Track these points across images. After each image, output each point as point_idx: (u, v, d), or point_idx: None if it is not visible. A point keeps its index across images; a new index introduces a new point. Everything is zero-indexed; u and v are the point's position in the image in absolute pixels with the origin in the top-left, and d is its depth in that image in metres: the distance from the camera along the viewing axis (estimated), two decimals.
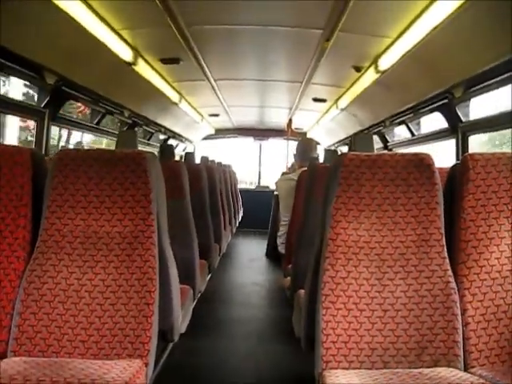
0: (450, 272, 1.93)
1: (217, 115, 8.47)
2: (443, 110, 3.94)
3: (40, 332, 1.92)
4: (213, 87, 5.96)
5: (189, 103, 6.83)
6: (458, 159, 3.61)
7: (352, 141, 2.33)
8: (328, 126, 8.10)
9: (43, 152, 3.61)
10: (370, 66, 4.22)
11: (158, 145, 7.51)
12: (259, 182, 11.39)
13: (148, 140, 7.10)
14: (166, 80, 5.27)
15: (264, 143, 11.07)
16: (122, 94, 4.82)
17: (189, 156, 5.01)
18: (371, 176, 1.99)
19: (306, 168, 3.96)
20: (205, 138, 10.54)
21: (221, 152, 11.10)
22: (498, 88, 3.19)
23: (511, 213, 1.96)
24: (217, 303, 4.70)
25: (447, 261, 1.94)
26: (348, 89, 5.36)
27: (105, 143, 11.40)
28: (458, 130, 3.71)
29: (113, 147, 2.57)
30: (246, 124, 9.81)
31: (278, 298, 4.92)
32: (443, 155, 4.65)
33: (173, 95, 5.88)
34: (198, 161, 5.97)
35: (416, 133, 5.03)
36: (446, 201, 2.00)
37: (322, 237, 2.01)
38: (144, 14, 3.29)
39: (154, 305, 1.94)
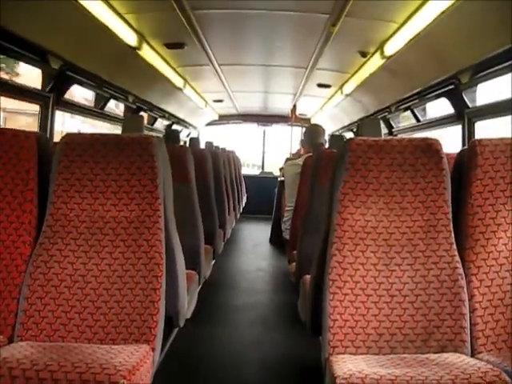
0: (457, 258, 1.93)
1: (221, 101, 8.44)
2: (449, 95, 3.91)
3: (46, 317, 1.93)
4: (217, 72, 5.93)
5: (193, 89, 6.81)
6: (464, 145, 3.59)
7: (359, 126, 2.32)
8: (332, 112, 8.07)
9: (48, 136, 3.60)
10: (375, 52, 4.19)
11: (162, 130, 7.51)
12: (263, 168, 11.38)
13: (152, 125, 7.08)
14: (170, 65, 5.25)
15: (268, 129, 11.04)
16: (126, 78, 4.80)
17: (194, 141, 5.00)
18: (379, 161, 1.99)
19: (311, 154, 3.95)
20: (208, 124, 10.53)
21: (225, 138, 11.08)
22: (505, 74, 3.16)
23: None
24: (221, 289, 4.71)
25: (454, 246, 1.94)
26: (353, 74, 5.33)
27: None
28: (465, 115, 3.69)
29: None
30: (249, 110, 9.78)
31: (282, 284, 4.93)
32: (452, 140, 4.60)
33: (177, 80, 5.86)
34: (202, 146, 5.97)
35: (422, 119, 5.01)
36: (453, 186, 2.00)
37: (329, 222, 2.01)
38: None
39: (161, 290, 1.95)
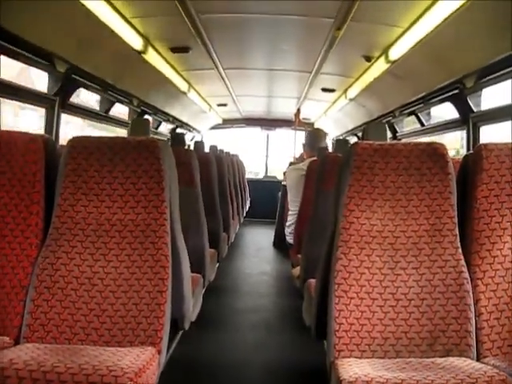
0: (462, 262, 1.93)
1: (225, 105, 8.46)
2: (454, 100, 3.91)
3: (53, 319, 1.93)
4: (221, 76, 5.95)
5: (197, 92, 6.82)
6: (468, 150, 3.59)
7: (365, 130, 2.32)
8: (336, 117, 8.08)
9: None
10: (380, 56, 4.19)
11: (166, 134, 7.52)
12: (266, 172, 11.38)
13: (156, 129, 7.10)
14: (174, 69, 5.26)
15: (271, 133, 11.06)
16: (131, 82, 4.82)
17: (198, 145, 5.01)
18: (384, 165, 1.99)
19: (315, 158, 3.96)
20: (212, 128, 10.53)
21: (228, 142, 11.09)
22: (510, 78, 3.16)
23: None
24: (225, 292, 4.71)
25: (460, 250, 1.94)
26: (357, 79, 5.33)
27: None
28: (470, 120, 3.69)
29: None
30: (253, 114, 9.79)
31: (286, 288, 4.94)
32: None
33: (181, 84, 5.87)
34: (206, 150, 5.98)
35: (426, 123, 5.01)
36: (459, 190, 2.00)
37: (335, 226, 2.01)
38: (154, 2, 3.29)
39: (167, 292, 1.95)
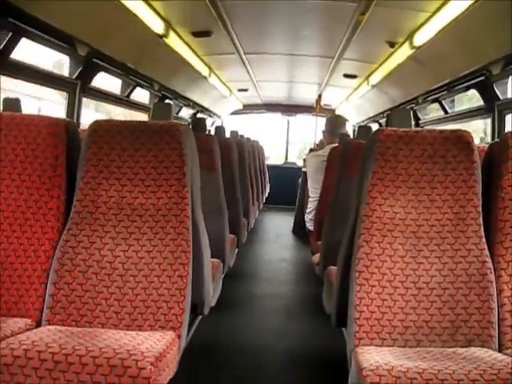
0: (486, 251, 1.90)
1: (245, 90, 8.43)
2: (479, 87, 3.84)
3: (74, 302, 1.94)
4: (242, 61, 5.91)
5: (218, 77, 6.80)
6: (493, 138, 3.53)
7: (389, 116, 2.28)
8: (357, 103, 8.01)
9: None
10: (404, 42, 4.13)
11: (187, 119, 7.52)
12: (286, 158, 11.35)
13: (176, 114, 7.10)
14: (196, 53, 5.25)
15: (292, 119, 11.00)
16: (152, 66, 4.81)
17: (219, 130, 5.00)
18: (408, 152, 1.96)
19: (335, 144, 3.92)
20: (233, 113, 10.52)
21: (249, 127, 11.07)
22: None
23: None
24: (244, 278, 4.72)
25: (484, 240, 1.91)
26: (380, 65, 5.26)
27: None
28: (495, 108, 3.62)
29: None
30: (274, 99, 9.76)
31: (305, 274, 4.93)
32: None
33: (202, 69, 5.86)
34: (227, 135, 5.97)
35: (450, 110, 4.93)
36: (483, 179, 1.96)
37: (357, 213, 1.99)
38: None
39: (188, 277, 1.95)
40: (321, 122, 8.93)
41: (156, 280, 1.95)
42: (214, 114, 9.18)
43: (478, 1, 2.80)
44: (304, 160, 7.74)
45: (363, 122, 8.62)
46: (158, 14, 3.75)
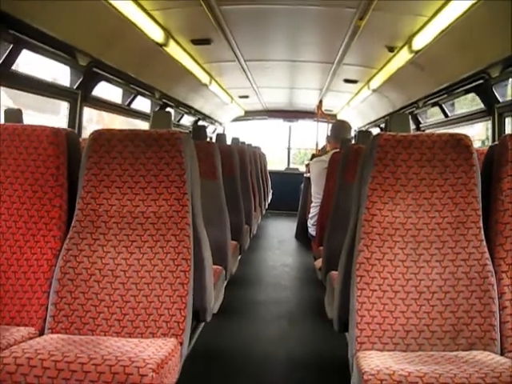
0: (487, 254, 1.90)
1: (246, 97, 8.45)
2: (479, 90, 3.85)
3: (76, 310, 1.95)
4: (243, 68, 5.94)
5: (218, 84, 6.83)
6: (494, 141, 3.53)
7: (388, 121, 2.29)
8: (358, 108, 8.02)
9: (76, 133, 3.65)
10: (403, 46, 4.14)
11: (188, 126, 7.54)
12: (288, 164, 11.36)
13: (178, 122, 7.12)
14: (196, 61, 5.28)
15: (294, 125, 11.02)
16: (152, 75, 4.84)
17: (220, 137, 5.01)
18: (407, 156, 1.97)
19: (338, 149, 3.93)
20: (234, 120, 10.54)
21: (250, 134, 11.09)
22: None
23: None
24: (247, 284, 4.72)
25: (484, 243, 1.91)
26: (380, 69, 5.28)
27: None
28: (495, 111, 3.62)
29: None
30: (275, 105, 9.77)
31: (308, 280, 4.92)
32: None
33: (203, 76, 5.88)
34: (228, 142, 5.98)
35: (450, 114, 4.94)
36: (483, 182, 1.97)
37: (357, 218, 2.00)
38: None
39: (189, 284, 1.96)
40: (322, 128, 8.97)
41: (157, 287, 1.95)
42: (216, 121, 9.21)
43: (475, 4, 2.81)
44: (306, 165, 7.75)
45: (365, 126, 8.63)
46: (158, 22, 3.78)
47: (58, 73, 3.75)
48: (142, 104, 5.51)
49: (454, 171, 1.95)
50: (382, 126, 7.61)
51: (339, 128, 4.35)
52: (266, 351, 3.12)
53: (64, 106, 3.84)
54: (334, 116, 9.45)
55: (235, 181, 4.26)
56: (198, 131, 3.64)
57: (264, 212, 8.02)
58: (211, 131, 9.43)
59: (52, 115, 5.60)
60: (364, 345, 1.85)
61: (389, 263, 1.91)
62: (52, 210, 2.05)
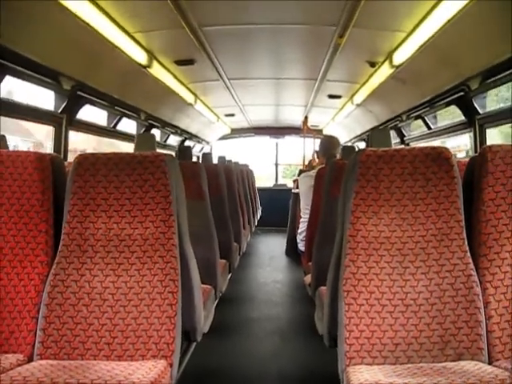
0: (471, 265, 1.91)
1: (232, 115, 8.49)
2: (459, 102, 3.90)
3: (65, 335, 1.94)
4: (227, 87, 5.98)
5: (204, 104, 6.86)
6: (475, 152, 3.58)
7: (369, 136, 2.32)
8: (344, 122, 8.09)
9: (62, 156, 3.64)
10: (384, 61, 4.20)
11: (175, 146, 7.56)
12: (276, 181, 11.39)
13: (164, 142, 7.14)
14: (180, 81, 5.31)
15: (280, 141, 11.06)
16: (137, 96, 4.86)
17: (206, 156, 5.03)
18: (389, 171, 1.99)
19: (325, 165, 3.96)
20: (221, 138, 10.58)
21: (238, 151, 11.12)
22: None
23: None
24: (238, 302, 4.71)
25: (468, 254, 1.93)
26: (363, 84, 5.34)
27: None
28: (476, 122, 3.68)
29: None
30: (261, 123, 9.82)
31: (299, 296, 4.92)
32: None
33: (188, 96, 5.92)
34: (215, 161, 5.99)
35: (433, 126, 4.99)
36: (465, 194, 1.99)
37: (342, 233, 2.01)
38: (157, 16, 3.33)
39: (177, 305, 1.95)
40: (308, 143, 9.03)
41: (146, 309, 1.95)
42: (203, 139, 9.23)
43: (453, 19, 2.86)
44: (294, 181, 7.78)
45: (351, 140, 8.69)
46: (140, 44, 3.81)
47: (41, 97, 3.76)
48: (128, 125, 5.53)
49: (436, 184, 1.97)
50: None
51: (327, 143, 4.38)
52: (258, 369, 3.11)
53: None
54: (320, 131, 9.51)
55: (222, 199, 4.27)
56: (184, 152, 3.66)
57: (254, 229, 8.02)
58: (198, 150, 9.44)
59: None
60: (354, 359, 1.85)
61: (375, 277, 1.92)
62: (38, 235, 2.04)
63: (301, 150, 9.17)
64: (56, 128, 3.68)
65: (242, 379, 2.98)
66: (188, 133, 7.85)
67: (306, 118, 8.44)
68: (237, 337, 3.73)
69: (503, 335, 1.87)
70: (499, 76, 3.19)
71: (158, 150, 2.28)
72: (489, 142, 3.53)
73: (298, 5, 3.26)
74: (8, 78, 2.99)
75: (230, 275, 4.44)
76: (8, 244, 2.04)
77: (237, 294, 4.99)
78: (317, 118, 8.58)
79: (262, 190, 10.36)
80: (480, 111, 3.66)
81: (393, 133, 6.01)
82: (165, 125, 6.39)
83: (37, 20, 2.73)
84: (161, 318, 1.94)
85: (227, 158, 7.18)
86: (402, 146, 5.34)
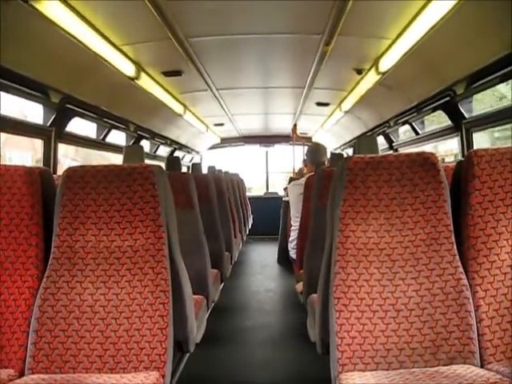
0: (460, 269, 1.93)
1: (222, 124, 8.51)
2: (446, 107, 3.94)
3: (56, 349, 1.93)
4: (216, 97, 6.00)
5: (193, 114, 6.87)
6: (463, 156, 3.60)
7: (356, 144, 2.34)
8: (333, 130, 8.12)
9: (51, 170, 3.64)
10: (370, 68, 4.23)
11: (165, 157, 7.55)
12: (267, 189, 11.40)
13: (154, 153, 7.13)
14: (169, 92, 5.32)
15: (270, 150, 11.08)
16: (126, 108, 4.87)
17: (196, 167, 5.04)
18: (377, 178, 2.00)
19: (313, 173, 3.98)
20: (211, 148, 10.58)
21: (230, 161, 11.13)
22: (500, 83, 3.19)
23: None
24: (231, 311, 4.71)
25: (457, 258, 1.94)
26: (350, 91, 5.37)
27: None
28: (462, 126, 3.71)
29: None
30: (251, 132, 9.84)
31: (292, 304, 4.92)
32: None
33: (177, 107, 5.93)
34: (205, 171, 6.00)
35: (420, 131, 5.03)
36: (452, 198, 2.00)
37: (331, 240, 2.02)
38: (144, 28, 3.34)
39: (169, 316, 1.95)
40: (298, 151, 9.05)
41: (137, 321, 1.95)
42: (193, 149, 9.23)
43: (436, 25, 2.89)
44: (285, 189, 7.78)
45: (340, 147, 8.72)
46: (128, 57, 3.82)
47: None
48: (118, 137, 5.53)
49: (424, 189, 1.99)
50: None
51: (315, 151, 4.39)
52: (251, 377, 3.12)
53: None
54: (310, 139, 9.54)
55: (213, 209, 4.28)
56: (173, 162, 3.66)
57: (245, 238, 8.01)
58: (188, 160, 9.44)
59: None
60: (346, 366, 1.86)
61: (365, 283, 1.93)
62: (28, 249, 2.04)
63: (291, 158, 9.20)
64: (45, 141, 3.68)
65: None
66: (178, 143, 7.86)
67: (295, 125, 8.46)
68: (230, 346, 3.73)
69: (494, 338, 1.88)
70: (484, 80, 3.22)
71: (148, 161, 2.29)
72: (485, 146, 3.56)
73: (283, 14, 3.28)
74: None
75: (222, 285, 4.44)
76: None
77: (229, 303, 4.99)
78: (306, 125, 8.62)
79: (253, 199, 10.37)
80: (466, 116, 3.70)
81: (381, 138, 6.05)
82: (154, 136, 6.39)
83: (23, 34, 2.73)
84: (152, 330, 1.93)
85: (218, 168, 7.18)
86: (391, 152, 5.37)
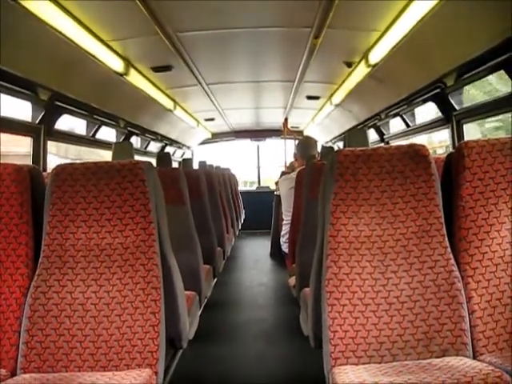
0: (452, 261, 1.93)
1: (212, 119, 8.48)
2: (436, 99, 3.94)
3: (48, 347, 1.92)
4: (206, 92, 5.98)
5: (183, 109, 6.85)
6: (453, 148, 3.61)
7: (346, 137, 2.33)
8: (324, 123, 8.11)
9: (41, 168, 3.61)
10: (360, 61, 4.22)
11: (156, 152, 7.53)
12: (259, 183, 11.40)
13: (145, 149, 7.11)
14: (158, 88, 5.30)
15: (261, 144, 11.07)
16: (115, 104, 4.84)
17: (187, 162, 5.02)
18: (367, 170, 2.00)
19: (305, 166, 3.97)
20: (202, 143, 10.55)
21: (220, 155, 11.11)
22: (489, 74, 3.19)
23: (510, 197, 1.96)
24: (224, 307, 4.71)
25: (449, 250, 1.94)
26: (341, 85, 5.36)
27: None
28: (453, 118, 3.71)
29: None
30: (242, 126, 9.82)
31: (284, 298, 4.93)
32: None
33: (167, 102, 5.90)
34: (196, 166, 5.98)
35: (411, 124, 5.03)
36: (443, 190, 2.00)
37: (323, 234, 2.02)
38: (132, 24, 3.31)
39: (160, 313, 1.95)
40: (289, 144, 9.05)
41: (129, 318, 1.94)
42: (183, 145, 9.21)
43: (426, 16, 2.88)
44: (276, 183, 7.78)
45: (331, 141, 8.72)
46: (116, 52, 3.80)
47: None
48: (110, 134, 5.51)
49: (414, 181, 1.98)
50: None
51: (305, 145, 4.39)
52: (245, 372, 3.12)
53: None
54: (301, 132, 9.54)
55: (204, 204, 4.27)
56: (163, 158, 3.65)
57: (238, 233, 8.01)
58: (179, 156, 9.42)
59: None
60: (339, 360, 1.86)
61: (357, 277, 1.93)
62: (18, 247, 2.02)
63: (283, 152, 9.20)
64: (34, 139, 3.65)
65: (229, 383, 2.98)
66: (168, 139, 7.83)
67: (286, 119, 8.46)
68: (223, 341, 3.73)
69: (486, 329, 1.89)
70: (474, 72, 3.23)
71: (139, 158, 2.27)
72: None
73: (272, 8, 3.27)
74: None
75: (214, 280, 4.43)
76: None
77: (222, 298, 4.99)
78: (297, 119, 8.61)
79: (245, 193, 10.37)
80: (457, 107, 3.70)
81: (373, 131, 6.05)
82: (144, 132, 6.37)
83: (9, 31, 2.70)
84: (144, 327, 1.93)
85: (209, 163, 7.16)
86: (382, 145, 5.37)
